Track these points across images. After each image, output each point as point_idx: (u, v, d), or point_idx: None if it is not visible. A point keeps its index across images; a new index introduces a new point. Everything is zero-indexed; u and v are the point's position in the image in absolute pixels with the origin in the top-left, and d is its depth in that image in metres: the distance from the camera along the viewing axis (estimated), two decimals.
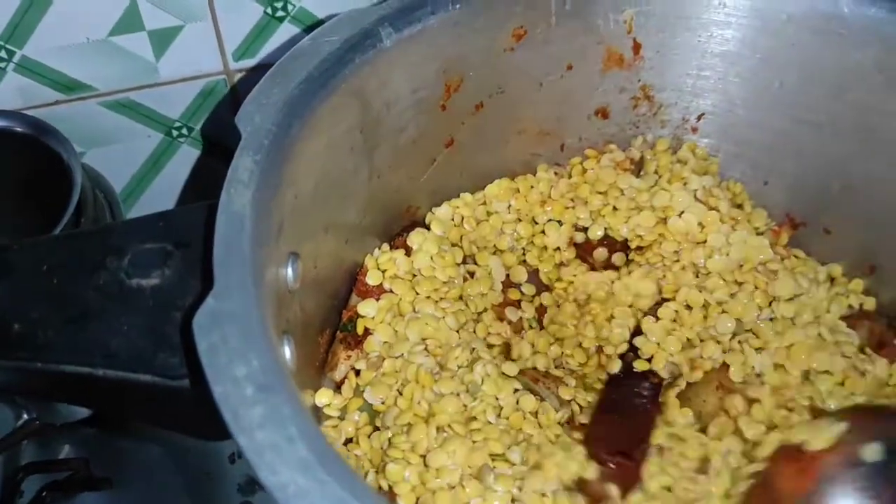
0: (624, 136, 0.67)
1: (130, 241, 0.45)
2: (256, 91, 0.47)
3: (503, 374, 0.53)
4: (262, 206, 0.43)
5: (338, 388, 0.55)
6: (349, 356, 0.56)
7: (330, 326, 0.57)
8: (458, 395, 0.49)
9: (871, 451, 0.41)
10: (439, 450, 0.46)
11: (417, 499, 0.46)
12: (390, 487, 0.47)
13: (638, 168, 0.65)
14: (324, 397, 0.54)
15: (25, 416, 0.70)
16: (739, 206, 0.64)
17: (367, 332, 0.56)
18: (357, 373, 0.55)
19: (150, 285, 0.44)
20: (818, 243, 0.63)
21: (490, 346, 0.57)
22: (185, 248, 0.45)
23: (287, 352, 0.45)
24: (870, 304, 0.61)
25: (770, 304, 0.58)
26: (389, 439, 0.48)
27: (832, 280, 0.62)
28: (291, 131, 0.46)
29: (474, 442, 0.47)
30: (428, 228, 0.62)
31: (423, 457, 0.47)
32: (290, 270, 0.47)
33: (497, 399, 0.50)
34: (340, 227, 0.56)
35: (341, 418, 0.53)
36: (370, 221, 0.59)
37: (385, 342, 0.55)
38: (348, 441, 0.52)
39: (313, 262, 0.52)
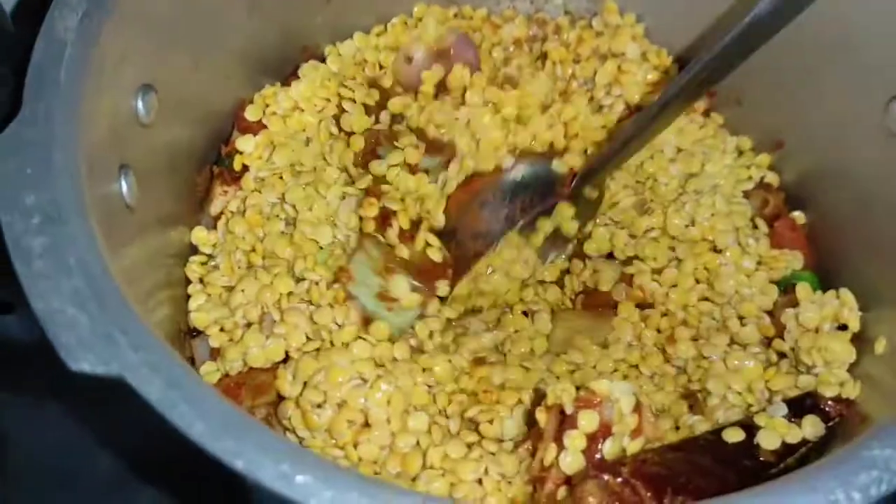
0: None
1: None
2: None
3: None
4: (91, 33, 0.41)
5: (215, 224, 0.55)
6: (226, 191, 0.55)
7: (211, 163, 0.57)
8: (284, 234, 0.49)
9: (517, 171, 0.55)
10: (235, 289, 0.47)
11: (231, 339, 0.47)
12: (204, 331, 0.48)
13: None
14: (198, 236, 0.54)
15: None
16: (665, 73, 0.62)
17: (245, 169, 0.56)
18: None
19: None
20: (729, 114, 0.61)
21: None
22: (23, 74, 0.43)
23: (124, 186, 0.44)
24: (773, 179, 0.60)
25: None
26: (201, 279, 0.48)
27: (741, 153, 0.60)
28: None
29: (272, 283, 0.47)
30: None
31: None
32: (139, 103, 0.46)
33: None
34: (216, 62, 0.53)
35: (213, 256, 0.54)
36: (257, 58, 0.57)
37: (258, 178, 0.54)
38: None
39: (178, 97, 0.50)
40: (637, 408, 0.42)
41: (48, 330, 0.32)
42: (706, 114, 0.62)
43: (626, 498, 0.38)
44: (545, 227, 0.55)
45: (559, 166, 0.56)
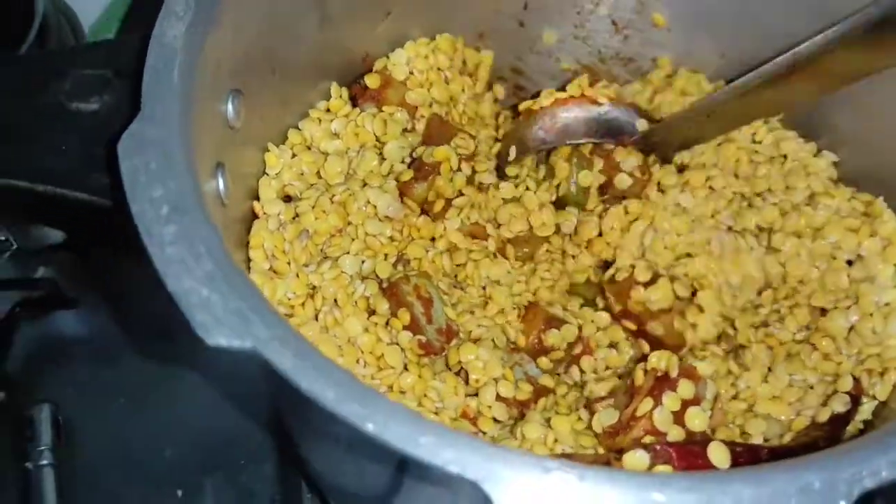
0: None
1: (72, 67, 0.47)
2: None
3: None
4: (196, 40, 0.44)
5: None
6: None
7: None
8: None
9: (604, 108, 0.60)
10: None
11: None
12: None
13: None
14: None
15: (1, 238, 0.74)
16: None
17: None
18: None
19: (90, 110, 0.46)
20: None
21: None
22: (125, 77, 0.47)
23: (220, 184, 0.47)
24: None
25: None
26: None
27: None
28: None
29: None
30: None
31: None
32: (230, 107, 0.49)
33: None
34: (291, 68, 0.57)
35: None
36: (323, 66, 0.60)
37: None
38: None
39: (259, 101, 0.53)
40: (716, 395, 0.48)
41: (184, 308, 0.35)
42: None
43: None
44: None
45: (641, 125, 0.60)
